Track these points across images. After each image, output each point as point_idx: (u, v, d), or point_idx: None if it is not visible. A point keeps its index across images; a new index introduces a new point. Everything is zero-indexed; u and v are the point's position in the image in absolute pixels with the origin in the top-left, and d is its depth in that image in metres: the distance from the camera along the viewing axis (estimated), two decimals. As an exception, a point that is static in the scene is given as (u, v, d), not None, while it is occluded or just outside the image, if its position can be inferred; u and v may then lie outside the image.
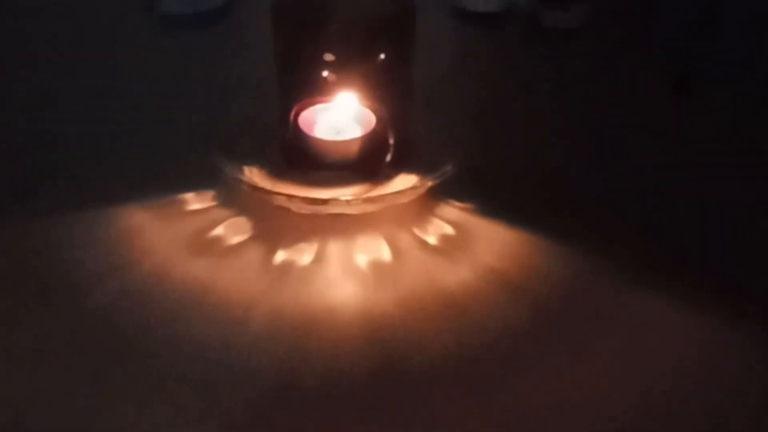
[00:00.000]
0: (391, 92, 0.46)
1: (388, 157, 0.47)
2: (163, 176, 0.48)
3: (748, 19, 0.72)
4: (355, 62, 0.43)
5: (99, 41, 0.71)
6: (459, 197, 0.47)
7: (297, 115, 0.47)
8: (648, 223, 0.46)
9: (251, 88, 0.52)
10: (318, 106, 0.47)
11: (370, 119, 0.47)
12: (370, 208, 0.44)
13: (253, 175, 0.46)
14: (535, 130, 0.56)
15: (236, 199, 0.46)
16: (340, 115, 0.48)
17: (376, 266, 0.42)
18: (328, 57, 0.43)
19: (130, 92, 0.61)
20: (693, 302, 0.40)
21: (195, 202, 0.46)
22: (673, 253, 0.44)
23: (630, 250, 0.44)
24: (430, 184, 0.44)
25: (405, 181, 0.46)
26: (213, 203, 0.46)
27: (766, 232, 0.47)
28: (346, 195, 0.44)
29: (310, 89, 0.45)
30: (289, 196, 0.43)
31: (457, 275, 0.41)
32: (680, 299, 0.41)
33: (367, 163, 0.47)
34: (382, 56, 0.43)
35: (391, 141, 0.47)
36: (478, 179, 0.48)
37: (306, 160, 0.47)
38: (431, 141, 0.48)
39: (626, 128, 0.57)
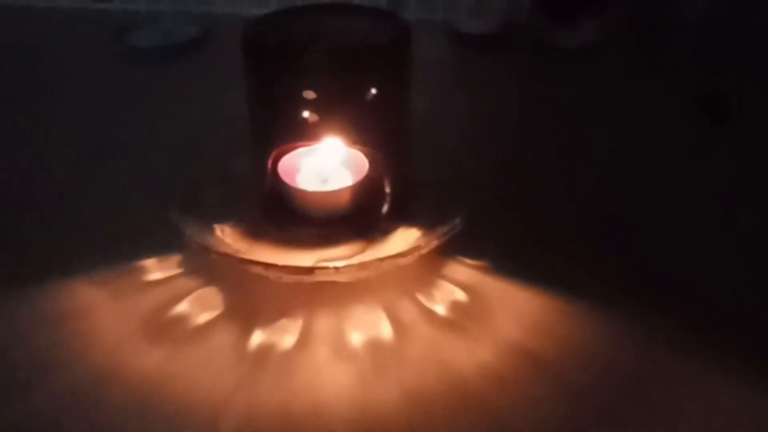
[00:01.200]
0: (385, 132, 0.38)
1: (385, 209, 0.39)
2: (119, 239, 0.40)
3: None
4: (340, 99, 0.36)
5: (58, 76, 0.64)
6: (469, 253, 0.39)
7: (276, 161, 0.39)
8: (686, 280, 0.39)
9: (223, 129, 0.45)
10: (300, 150, 0.40)
11: (362, 164, 0.40)
12: (364, 274, 0.36)
13: (225, 236, 0.39)
14: (551, 167, 0.49)
15: (205, 265, 0.38)
16: (326, 160, 0.40)
17: (375, 347, 0.34)
18: (309, 94, 0.35)
19: (85, 135, 0.53)
20: (742, 370, 0.33)
21: (156, 270, 0.39)
22: (713, 310, 0.37)
23: (669, 314, 0.36)
24: (435, 240, 0.36)
25: (405, 236, 0.39)
26: (177, 271, 0.38)
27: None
28: (335, 260, 0.37)
29: (290, 132, 0.37)
30: (266, 265, 0.35)
31: (472, 355, 0.34)
32: (727, 366, 0.33)
33: (359, 216, 0.39)
34: (373, 91, 0.36)
35: (388, 189, 0.39)
36: (491, 230, 0.41)
37: (287, 216, 0.40)
38: (434, 187, 0.41)
39: (652, 161, 0.50)
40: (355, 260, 0.36)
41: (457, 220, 0.37)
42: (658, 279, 0.39)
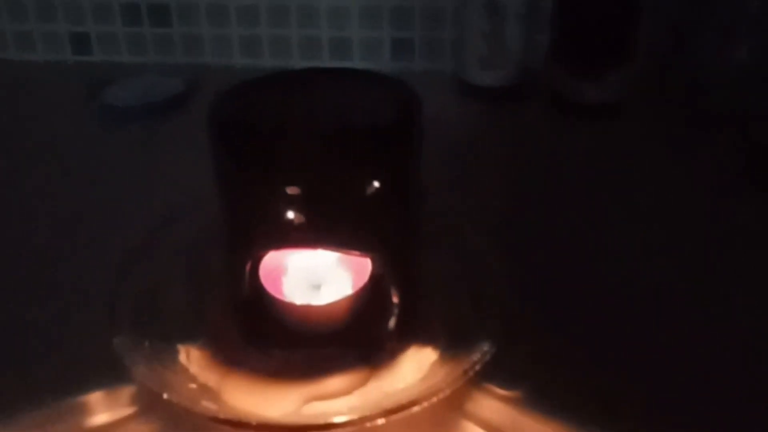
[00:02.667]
0: (390, 230, 0.30)
1: (392, 323, 0.31)
2: (57, 364, 0.32)
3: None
4: (333, 195, 0.28)
5: (21, 137, 0.56)
6: (499, 379, 0.31)
7: (255, 265, 0.31)
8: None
9: (196, 213, 0.37)
10: (284, 253, 0.32)
11: (363, 265, 0.32)
12: (370, 420, 0.28)
13: (191, 362, 0.30)
14: (591, 258, 0.40)
15: (162, 404, 0.30)
16: (318, 264, 0.32)
17: None
18: (293, 190, 0.27)
19: (36, 214, 0.45)
20: None
21: (100, 410, 0.30)
22: None
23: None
24: (459, 380, 0.28)
25: (418, 359, 0.30)
26: (129, 411, 0.30)
27: None
28: (331, 396, 0.28)
29: (270, 236, 0.29)
30: (237, 425, 0.26)
31: None
32: None
33: (361, 334, 0.31)
34: (375, 184, 0.28)
35: (395, 298, 0.31)
36: (525, 348, 0.32)
37: (270, 333, 0.31)
38: (453, 294, 0.32)
39: (699, 241, 0.42)
40: (357, 401, 0.28)
41: (486, 347, 0.28)
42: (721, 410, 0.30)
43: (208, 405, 0.27)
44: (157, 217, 0.39)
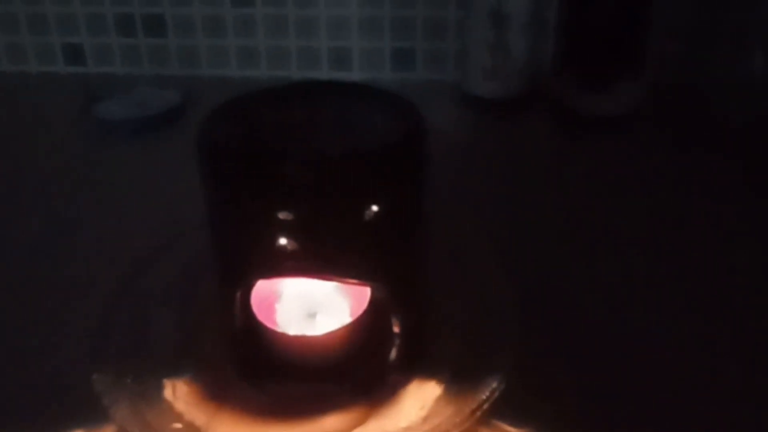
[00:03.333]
0: (391, 258, 0.28)
1: (393, 355, 0.29)
2: (31, 403, 0.30)
3: None
4: (328, 221, 0.26)
5: (6, 152, 0.55)
6: (509, 414, 0.29)
7: (248, 292, 0.29)
8: None
9: (185, 238, 0.35)
10: (277, 282, 0.30)
11: (362, 293, 0.30)
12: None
13: (177, 398, 0.28)
14: (602, 283, 0.38)
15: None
16: (313, 290, 0.30)
17: None
18: (285, 216, 0.25)
19: (23, 236, 0.43)
20: None
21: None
22: None
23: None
24: (467, 420, 0.26)
25: (422, 395, 0.28)
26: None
27: None
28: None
29: (263, 264, 0.27)
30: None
31: None
32: None
33: (360, 367, 0.29)
34: (375, 209, 0.26)
35: (396, 328, 0.29)
36: (537, 381, 0.30)
37: (263, 367, 0.29)
38: (458, 325, 0.30)
39: (716, 259, 0.40)
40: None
41: (496, 381, 0.26)
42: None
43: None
44: (147, 240, 0.37)
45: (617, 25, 0.57)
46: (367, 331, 0.29)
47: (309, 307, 0.30)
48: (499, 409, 0.28)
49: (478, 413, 0.25)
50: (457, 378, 0.28)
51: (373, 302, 0.29)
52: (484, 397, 0.26)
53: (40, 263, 0.40)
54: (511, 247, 0.40)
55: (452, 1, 0.65)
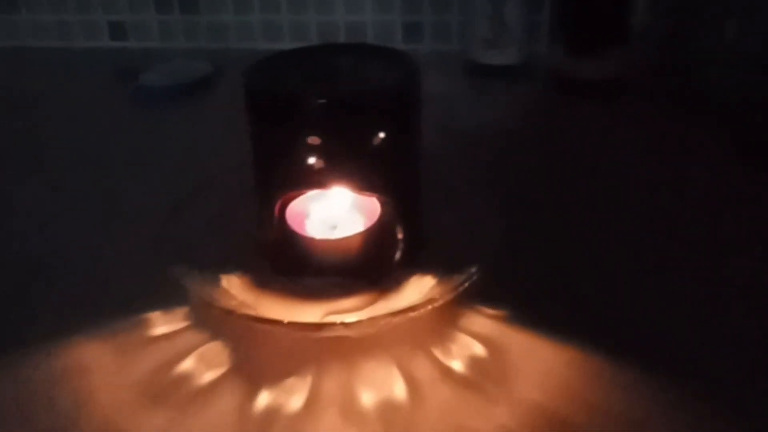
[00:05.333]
0: (395, 177, 0.36)
1: (398, 256, 0.38)
2: (121, 292, 0.39)
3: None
4: (347, 144, 0.34)
5: (69, 117, 0.64)
6: (487, 301, 0.37)
7: (283, 208, 0.38)
8: (722, 336, 0.36)
9: (229, 174, 0.44)
10: (308, 196, 0.38)
11: (374, 209, 0.38)
12: (376, 327, 0.34)
13: (232, 287, 0.37)
14: (571, 212, 0.47)
15: (211, 317, 0.37)
16: (335, 206, 0.39)
17: (387, 408, 0.32)
18: (314, 140, 0.34)
19: (89, 180, 0.52)
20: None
21: (160, 324, 0.37)
22: (735, 368, 0.34)
23: (699, 374, 0.34)
24: (452, 292, 0.34)
25: (419, 285, 0.37)
26: (182, 325, 0.37)
27: None
28: (346, 312, 0.35)
29: (296, 179, 0.35)
30: (272, 322, 0.33)
31: (492, 418, 0.31)
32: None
33: (371, 265, 0.38)
34: (381, 135, 0.34)
35: (400, 236, 0.37)
36: (510, 277, 0.38)
37: (296, 265, 0.38)
38: (449, 233, 0.39)
39: (681, 206, 0.47)
40: (366, 314, 0.34)
41: (474, 269, 0.35)
42: (684, 334, 0.36)
43: (247, 311, 0.34)
44: (188, 180, 0.46)
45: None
46: (376, 237, 0.37)
47: (331, 221, 0.39)
48: (480, 296, 0.37)
49: (459, 289, 0.34)
50: (448, 272, 0.36)
51: (381, 216, 0.38)
52: (464, 278, 0.34)
53: (114, 192, 0.50)
54: (501, 181, 0.49)
55: (456, -22, 0.73)
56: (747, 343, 0.35)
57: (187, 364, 0.34)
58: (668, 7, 0.67)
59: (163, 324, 0.37)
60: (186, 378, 0.34)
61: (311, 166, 0.34)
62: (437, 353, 0.34)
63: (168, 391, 0.33)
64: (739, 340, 0.35)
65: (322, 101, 0.33)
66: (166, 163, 0.54)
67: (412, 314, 0.34)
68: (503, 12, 0.67)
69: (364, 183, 0.35)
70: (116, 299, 0.39)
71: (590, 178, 0.51)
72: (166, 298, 0.38)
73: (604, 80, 0.65)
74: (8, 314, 0.39)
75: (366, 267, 0.37)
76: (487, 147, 0.56)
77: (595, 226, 0.45)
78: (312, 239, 0.37)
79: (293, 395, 0.32)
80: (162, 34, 0.79)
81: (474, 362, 0.34)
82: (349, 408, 0.32)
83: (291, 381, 0.33)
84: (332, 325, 0.33)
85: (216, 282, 0.37)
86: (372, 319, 0.33)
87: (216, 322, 0.36)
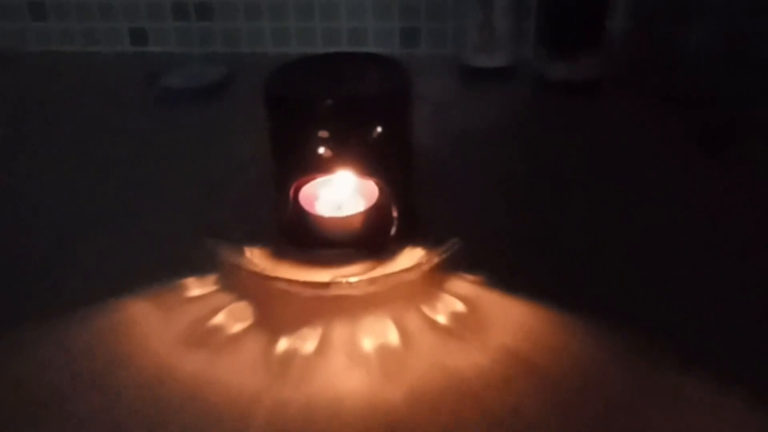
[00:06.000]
0: (391, 164, 0.44)
1: (393, 231, 0.45)
2: (162, 262, 0.47)
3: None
4: (351, 137, 0.42)
5: (95, 116, 0.71)
6: (468, 269, 0.45)
7: (296, 191, 0.45)
8: (670, 298, 0.43)
9: (248, 167, 0.51)
10: (318, 181, 0.46)
11: (372, 192, 0.46)
12: (375, 288, 0.42)
13: (254, 257, 0.45)
14: (546, 194, 0.54)
15: (235, 284, 0.44)
16: (341, 190, 0.46)
17: (384, 352, 0.39)
18: (323, 134, 0.41)
19: (124, 171, 0.60)
20: (716, 386, 0.37)
21: (195, 287, 0.45)
22: (694, 327, 0.41)
23: (655, 326, 0.41)
24: (436, 258, 0.42)
25: (410, 255, 0.44)
26: (214, 288, 0.44)
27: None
28: (349, 276, 0.42)
29: (308, 166, 0.43)
30: (290, 280, 0.41)
31: (469, 359, 0.39)
32: (704, 382, 0.37)
33: (371, 238, 0.45)
34: (379, 129, 0.42)
35: (395, 214, 0.45)
36: (488, 248, 0.46)
37: (308, 238, 0.45)
38: (437, 212, 0.46)
39: (645, 190, 0.55)
40: (366, 276, 0.42)
41: (455, 240, 0.42)
42: (644, 290, 0.43)
43: (267, 272, 0.41)
44: (209, 173, 0.53)
45: (582, 6, 0.71)
46: (375, 215, 0.45)
47: (337, 202, 0.46)
48: (460, 264, 0.44)
49: (443, 256, 0.41)
50: (435, 245, 0.44)
51: (379, 198, 0.45)
52: (447, 247, 0.42)
53: (148, 181, 0.58)
54: (486, 168, 0.56)
55: (450, -13, 0.81)
56: (695, 293, 0.43)
57: (218, 319, 0.42)
58: (641, 12, 0.74)
59: (197, 287, 0.45)
60: (218, 329, 0.41)
61: (320, 156, 0.42)
62: (425, 309, 0.42)
63: (204, 339, 0.41)
64: (687, 292, 0.43)
65: (330, 102, 0.41)
66: (192, 155, 0.62)
67: (404, 277, 0.41)
68: (492, 19, 0.74)
69: (365, 170, 0.43)
70: (158, 268, 0.46)
71: (566, 165, 0.58)
72: (200, 267, 0.45)
73: (583, 80, 0.72)
74: (70, 277, 0.46)
75: (366, 240, 0.45)
76: (477, 139, 0.63)
77: (566, 205, 0.53)
78: (321, 217, 0.45)
79: (306, 342, 0.40)
80: (179, 39, 0.87)
81: (455, 316, 0.42)
82: (353, 351, 0.39)
83: (304, 331, 0.41)
84: (339, 284, 0.40)
85: (241, 252, 0.44)
86: (371, 279, 0.40)
87: (241, 285, 0.44)
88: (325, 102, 0.41)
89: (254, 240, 0.45)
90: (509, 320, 0.41)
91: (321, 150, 0.42)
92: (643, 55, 0.73)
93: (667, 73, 0.71)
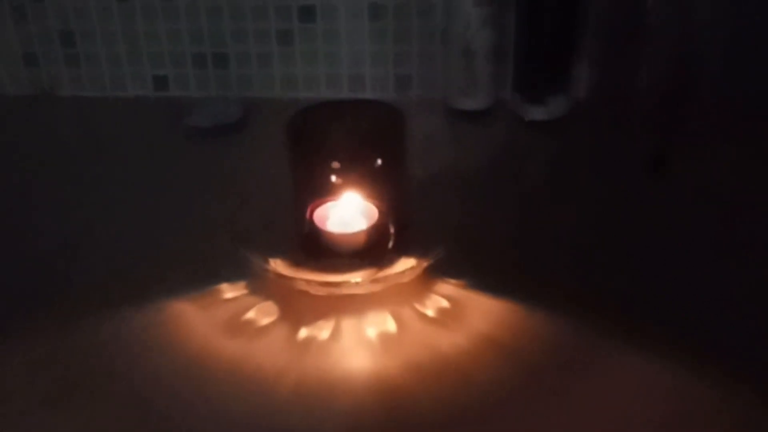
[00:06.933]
0: (389, 190, 0.55)
1: (390, 245, 0.56)
2: (199, 272, 0.58)
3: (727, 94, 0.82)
4: (357, 168, 0.53)
5: (128, 151, 0.83)
6: (452, 275, 0.56)
7: (312, 212, 0.57)
8: (620, 293, 0.55)
9: (269, 192, 0.63)
10: (329, 204, 0.57)
11: (374, 213, 0.57)
12: (376, 288, 0.53)
13: (277, 265, 0.55)
14: (518, 213, 0.66)
15: (263, 287, 0.55)
16: (348, 211, 0.57)
17: (384, 337, 0.50)
18: (336, 165, 0.53)
19: (161, 197, 0.71)
20: (665, 359, 0.48)
21: (228, 291, 0.55)
22: (643, 315, 0.52)
23: (605, 315, 0.52)
24: (425, 265, 0.53)
25: (405, 263, 0.55)
26: (244, 292, 0.55)
27: (731, 295, 0.55)
28: (356, 278, 0.53)
29: (322, 191, 0.54)
30: (308, 281, 0.52)
31: (452, 342, 0.50)
32: (653, 356, 0.48)
33: (372, 250, 0.56)
34: (379, 161, 0.53)
35: (392, 231, 0.56)
36: (468, 259, 0.57)
37: (321, 250, 0.57)
38: (425, 229, 0.58)
39: (601, 208, 0.66)
40: (369, 278, 0.53)
41: (440, 250, 0.53)
42: (598, 286, 0.55)
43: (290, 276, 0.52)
44: (232, 200, 0.65)
45: (550, 56, 0.84)
46: (375, 231, 0.56)
47: (344, 221, 0.57)
48: (445, 272, 0.55)
49: (431, 262, 0.53)
50: (422, 253, 0.55)
51: (378, 218, 0.56)
52: (432, 255, 0.53)
53: (176, 209, 0.69)
54: (469, 193, 0.68)
55: (437, 41, 0.93)
56: (641, 289, 0.54)
57: (249, 314, 0.53)
58: (601, 61, 0.87)
59: (230, 291, 0.55)
60: (250, 322, 0.52)
61: (333, 183, 0.53)
62: (416, 305, 0.53)
63: (238, 330, 0.51)
64: (635, 286, 0.54)
65: (341, 138, 0.52)
66: (220, 182, 0.73)
67: (399, 279, 0.53)
68: (475, 66, 0.87)
69: (367, 194, 0.54)
70: (195, 276, 0.57)
71: (537, 189, 0.70)
72: (233, 275, 0.56)
73: (552, 119, 0.84)
74: (122, 284, 0.57)
75: (368, 251, 0.56)
76: (461, 169, 0.75)
77: (534, 221, 0.64)
78: (332, 233, 0.56)
79: (322, 330, 0.51)
80: (198, 84, 0.99)
81: (441, 310, 0.53)
82: (359, 337, 0.50)
83: (320, 322, 0.52)
84: (347, 284, 0.51)
85: (266, 262, 0.55)
86: (373, 281, 0.52)
87: (267, 289, 0.55)
88: (336, 138, 0.52)
89: (277, 252, 0.56)
90: (483, 312, 0.52)
91: (333, 178, 0.53)
92: (602, 96, 0.86)
93: (620, 111, 0.84)
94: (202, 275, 0.57)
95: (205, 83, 0.98)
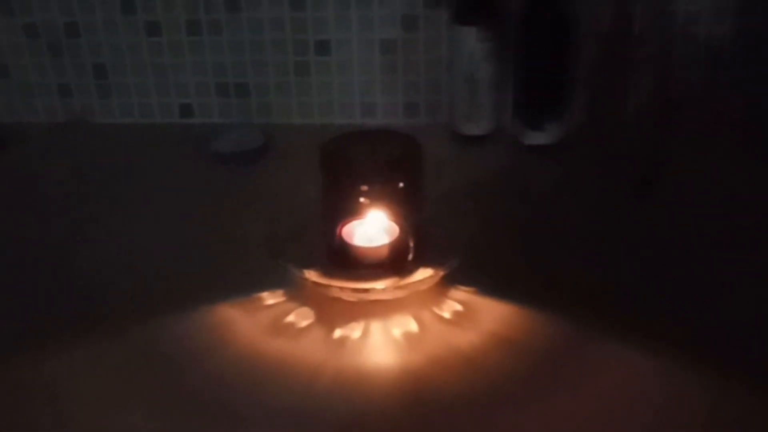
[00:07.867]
0: (409, 209, 0.65)
1: (410, 257, 0.65)
2: (245, 282, 0.66)
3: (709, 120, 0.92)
4: (382, 190, 0.62)
5: (161, 175, 0.92)
6: (465, 283, 0.65)
7: (341, 229, 0.66)
8: (619, 295, 0.64)
9: (297, 211, 0.72)
10: (355, 222, 0.66)
11: (395, 230, 0.66)
12: (399, 294, 0.62)
13: (311, 275, 0.64)
14: (521, 228, 0.75)
15: (300, 294, 0.64)
16: (372, 228, 0.66)
17: (407, 337, 0.59)
18: (364, 188, 0.62)
19: (199, 219, 0.80)
20: (658, 354, 0.57)
21: (269, 299, 0.64)
22: (641, 315, 0.61)
23: (604, 316, 0.61)
24: (441, 274, 0.62)
25: (423, 273, 0.64)
26: (283, 299, 0.64)
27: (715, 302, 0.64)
28: (381, 286, 0.62)
29: (351, 211, 0.64)
30: (340, 288, 0.61)
31: (467, 340, 0.59)
32: (648, 352, 0.57)
33: (394, 262, 0.65)
34: (401, 185, 0.63)
35: (412, 245, 0.65)
36: (479, 268, 0.66)
37: (349, 263, 0.66)
38: (441, 243, 0.67)
39: (592, 224, 0.76)
40: (393, 286, 0.62)
41: (454, 261, 0.63)
42: (597, 291, 0.64)
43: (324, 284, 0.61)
44: (262, 221, 0.74)
45: (547, 86, 0.94)
46: (396, 246, 0.65)
47: (369, 237, 0.66)
48: (459, 281, 0.64)
49: (446, 272, 0.62)
50: (438, 264, 0.64)
51: (399, 234, 0.66)
52: (448, 266, 0.62)
53: (213, 230, 0.78)
54: (477, 212, 0.77)
55: (443, 70, 1.03)
56: (629, 297, 0.63)
57: (290, 318, 0.62)
58: (593, 90, 0.97)
59: (271, 299, 0.64)
60: (291, 324, 0.61)
61: (361, 203, 0.63)
62: (434, 308, 0.62)
63: (280, 331, 0.60)
64: (624, 295, 0.63)
65: (368, 163, 0.62)
66: (251, 203, 0.82)
67: (419, 287, 0.62)
68: (478, 95, 0.96)
69: (392, 212, 0.63)
70: (238, 287, 0.66)
71: (537, 207, 0.79)
72: (272, 284, 0.65)
73: (549, 144, 0.94)
74: (174, 296, 0.66)
75: (391, 263, 0.65)
76: (468, 190, 0.84)
77: (536, 235, 0.73)
78: (359, 247, 0.65)
79: (353, 331, 0.60)
80: (221, 112, 1.08)
81: (456, 313, 0.62)
82: (386, 336, 0.59)
83: (351, 324, 0.61)
84: (374, 290, 0.60)
85: (301, 273, 0.64)
86: (396, 288, 0.61)
87: (304, 296, 0.64)
88: (364, 164, 0.62)
89: (310, 264, 0.65)
90: (493, 314, 0.62)
91: (362, 199, 0.62)
92: (594, 121, 0.96)
93: (611, 136, 0.94)
94: (246, 285, 0.66)
95: (228, 111, 1.07)
